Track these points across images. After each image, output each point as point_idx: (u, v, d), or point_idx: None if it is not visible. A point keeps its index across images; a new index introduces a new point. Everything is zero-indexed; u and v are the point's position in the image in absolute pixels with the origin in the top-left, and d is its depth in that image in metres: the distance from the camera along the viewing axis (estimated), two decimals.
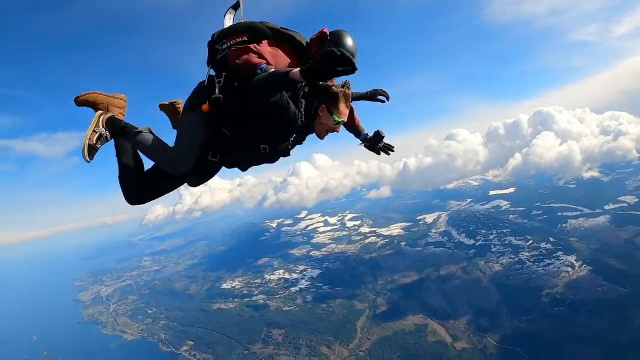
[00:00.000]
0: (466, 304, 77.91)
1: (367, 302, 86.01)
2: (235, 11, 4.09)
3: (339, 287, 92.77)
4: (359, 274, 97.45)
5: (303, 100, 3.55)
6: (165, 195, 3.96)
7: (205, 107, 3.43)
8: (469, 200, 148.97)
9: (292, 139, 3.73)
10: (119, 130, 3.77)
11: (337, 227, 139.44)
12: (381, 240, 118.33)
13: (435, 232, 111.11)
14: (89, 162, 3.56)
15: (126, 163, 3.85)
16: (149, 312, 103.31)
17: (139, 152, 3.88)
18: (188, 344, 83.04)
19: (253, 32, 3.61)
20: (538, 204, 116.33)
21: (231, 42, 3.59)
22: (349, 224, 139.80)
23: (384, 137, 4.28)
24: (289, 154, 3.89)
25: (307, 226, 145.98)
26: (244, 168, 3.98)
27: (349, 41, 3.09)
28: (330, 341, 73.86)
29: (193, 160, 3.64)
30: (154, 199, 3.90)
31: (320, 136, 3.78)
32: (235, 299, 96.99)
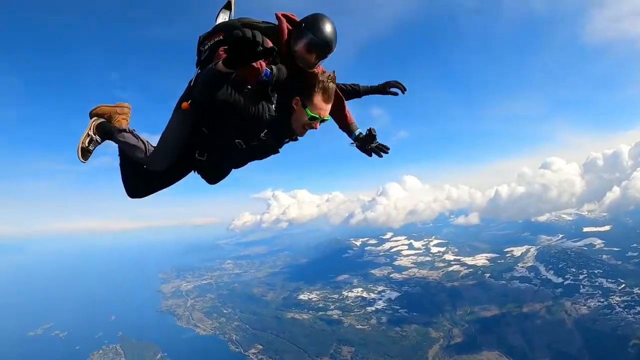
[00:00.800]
0: (546, 346, 73.46)
1: (442, 331, 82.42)
2: (229, 11, 4.15)
3: (415, 313, 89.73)
4: (438, 302, 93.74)
5: (276, 93, 3.42)
6: (162, 190, 4.14)
7: (185, 104, 3.45)
8: (560, 235, 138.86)
9: (265, 134, 3.46)
10: (107, 133, 4.02)
11: (421, 251, 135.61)
12: (465, 269, 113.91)
13: (522, 267, 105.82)
14: (83, 162, 3.94)
15: (123, 162, 4.12)
16: (224, 311, 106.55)
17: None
18: (257, 347, 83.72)
19: (227, 29, 3.52)
20: (635, 244, 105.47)
21: (210, 43, 3.56)
22: (434, 249, 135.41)
23: (375, 136, 4.06)
24: (277, 151, 3.77)
25: (391, 247, 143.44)
26: (232, 166, 3.98)
27: (319, 26, 3.27)
28: None
29: (171, 157, 3.67)
30: (149, 194, 4.13)
31: (297, 132, 3.51)
32: (310, 311, 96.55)
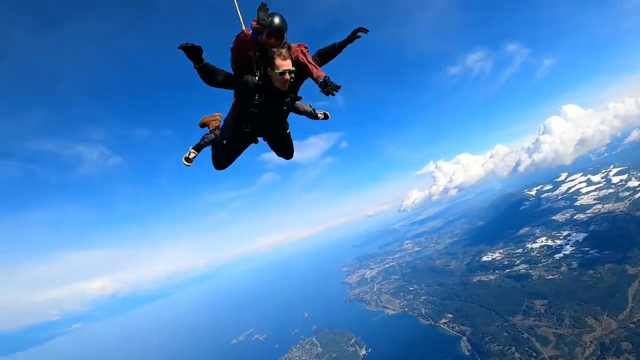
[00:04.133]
0: None
1: None
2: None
3: (607, 251, 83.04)
4: (630, 235, 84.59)
5: (260, 68, 5.57)
6: (234, 159, 6.72)
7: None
8: None
9: (259, 96, 5.68)
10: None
11: (601, 185, 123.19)
12: None
13: None
14: (188, 166, 6.11)
15: (213, 149, 6.53)
16: (410, 289, 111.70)
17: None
18: (447, 316, 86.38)
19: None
20: None
21: None
22: (615, 179, 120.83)
23: (326, 82, 5.23)
24: (283, 102, 5.93)
25: (568, 189, 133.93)
26: (266, 126, 6.20)
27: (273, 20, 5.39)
28: (597, 311, 66.52)
29: (229, 133, 6.21)
30: (228, 164, 6.74)
31: (282, 88, 5.64)
32: (496, 271, 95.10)
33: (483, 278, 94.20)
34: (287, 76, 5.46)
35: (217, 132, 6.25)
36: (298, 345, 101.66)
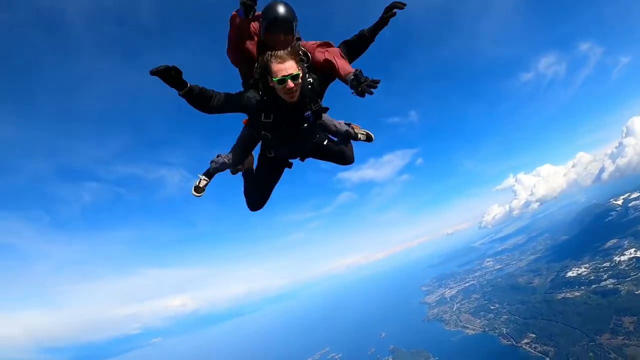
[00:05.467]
0: None
1: None
2: None
3: None
4: None
5: (261, 85, 4.63)
6: (269, 193, 5.97)
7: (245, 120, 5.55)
8: None
9: (265, 116, 4.74)
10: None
11: None
12: None
13: None
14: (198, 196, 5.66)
15: (245, 186, 6.16)
16: (491, 307, 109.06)
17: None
18: (529, 336, 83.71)
19: None
20: None
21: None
22: None
23: (358, 76, 4.28)
24: (303, 125, 4.96)
25: None
26: (291, 153, 5.54)
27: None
28: None
29: (239, 159, 5.77)
30: (263, 204, 6.05)
31: (289, 99, 4.56)
32: (582, 287, 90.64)
33: (568, 295, 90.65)
34: (290, 84, 4.39)
35: (230, 155, 5.66)
36: None
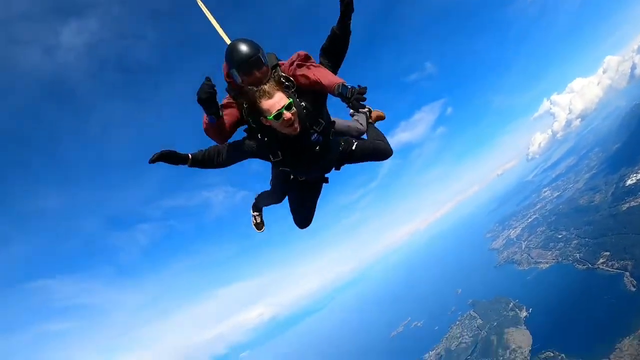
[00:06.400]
0: None
1: None
2: None
3: None
4: None
5: (256, 127, 4.54)
6: (312, 208, 5.95)
7: None
8: None
9: (274, 154, 4.63)
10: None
11: None
12: None
13: None
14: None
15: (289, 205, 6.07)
16: (559, 236, 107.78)
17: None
18: (604, 255, 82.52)
19: None
20: None
21: None
22: None
23: (343, 91, 4.05)
24: (316, 149, 4.76)
25: None
26: (314, 174, 5.40)
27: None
28: None
29: (276, 192, 5.98)
30: (310, 221, 6.02)
31: (293, 132, 4.38)
32: None
33: (632, 203, 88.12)
34: (287, 114, 4.22)
35: (271, 194, 5.99)
36: (457, 322, 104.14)
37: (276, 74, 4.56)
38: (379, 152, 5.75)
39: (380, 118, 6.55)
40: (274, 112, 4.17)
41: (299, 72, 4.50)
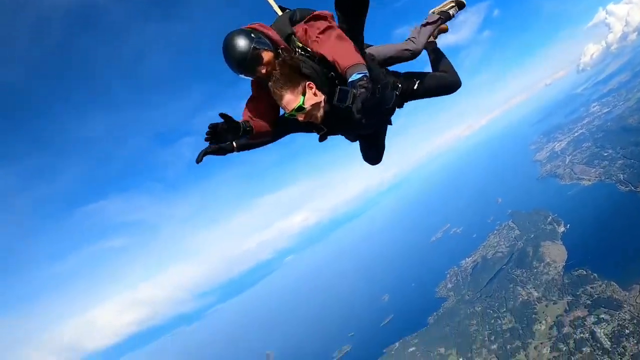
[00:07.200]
0: None
1: None
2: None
3: None
4: None
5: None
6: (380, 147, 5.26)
7: None
8: None
9: (320, 130, 4.18)
10: None
11: None
12: None
13: None
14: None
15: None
16: (605, 154, 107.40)
17: None
18: None
19: None
20: None
21: None
22: None
23: (343, 96, 3.54)
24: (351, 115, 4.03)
25: None
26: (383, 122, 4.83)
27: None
28: None
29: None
30: (380, 159, 5.37)
31: (316, 121, 3.91)
32: None
33: None
34: (300, 117, 3.77)
35: None
36: (495, 232, 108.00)
37: (286, 56, 3.81)
38: (446, 87, 5.12)
39: (443, 31, 5.76)
40: (288, 113, 3.79)
41: (315, 48, 3.81)
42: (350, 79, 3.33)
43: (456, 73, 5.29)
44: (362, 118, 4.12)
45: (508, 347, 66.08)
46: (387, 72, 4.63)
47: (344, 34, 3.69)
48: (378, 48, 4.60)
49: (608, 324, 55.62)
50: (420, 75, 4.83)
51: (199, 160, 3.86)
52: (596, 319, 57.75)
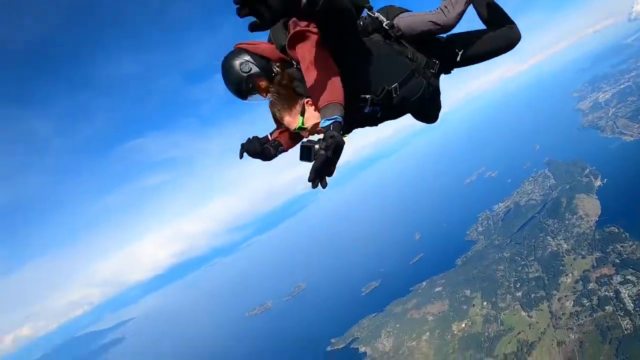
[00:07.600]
0: None
1: None
2: None
3: None
4: None
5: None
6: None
7: None
8: None
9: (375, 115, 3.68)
10: None
11: None
12: None
13: None
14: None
15: None
16: None
17: None
18: None
19: None
20: None
21: None
22: None
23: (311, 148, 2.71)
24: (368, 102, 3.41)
25: None
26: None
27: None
28: None
29: None
30: (436, 119, 4.81)
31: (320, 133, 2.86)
32: None
33: None
34: (306, 134, 3.43)
35: None
36: (530, 179, 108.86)
37: (280, 79, 3.61)
38: (498, 50, 4.16)
39: None
40: (293, 128, 3.50)
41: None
42: (320, 125, 2.77)
43: (513, 26, 4.17)
44: (383, 118, 3.84)
45: (532, 295, 67.68)
46: (419, 48, 3.85)
47: (321, 54, 3.02)
48: (407, 20, 3.80)
49: (634, 286, 55.91)
50: (465, 42, 4.05)
51: (241, 155, 3.99)
52: (622, 279, 58.03)
